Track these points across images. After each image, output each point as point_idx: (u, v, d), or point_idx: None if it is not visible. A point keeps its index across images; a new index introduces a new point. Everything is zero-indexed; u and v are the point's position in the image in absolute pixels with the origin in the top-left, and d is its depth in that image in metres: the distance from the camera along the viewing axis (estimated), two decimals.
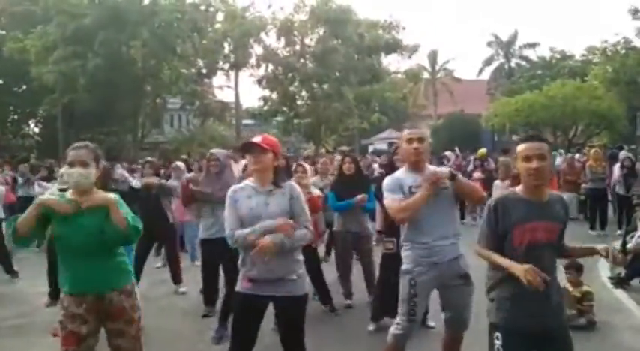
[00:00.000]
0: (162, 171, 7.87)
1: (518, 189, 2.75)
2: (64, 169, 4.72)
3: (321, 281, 5.63)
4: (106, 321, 3.03)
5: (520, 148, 2.67)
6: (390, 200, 3.47)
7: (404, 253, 3.56)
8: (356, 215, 5.74)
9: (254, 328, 3.20)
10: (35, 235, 2.99)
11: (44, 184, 9.45)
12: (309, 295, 3.42)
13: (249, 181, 3.26)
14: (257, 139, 3.21)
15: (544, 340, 2.64)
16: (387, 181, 3.57)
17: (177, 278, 6.65)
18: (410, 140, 3.51)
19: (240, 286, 3.17)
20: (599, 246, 2.75)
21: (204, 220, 5.31)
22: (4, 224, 7.82)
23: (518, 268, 2.51)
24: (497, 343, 2.65)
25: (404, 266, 3.52)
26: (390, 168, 4.80)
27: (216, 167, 5.23)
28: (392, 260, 4.72)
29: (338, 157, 7.44)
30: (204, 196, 5.21)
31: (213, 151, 5.56)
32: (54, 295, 5.69)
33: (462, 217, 12.62)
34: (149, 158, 7.06)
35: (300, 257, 3.23)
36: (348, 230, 5.80)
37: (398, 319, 3.53)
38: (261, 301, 3.17)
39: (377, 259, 5.34)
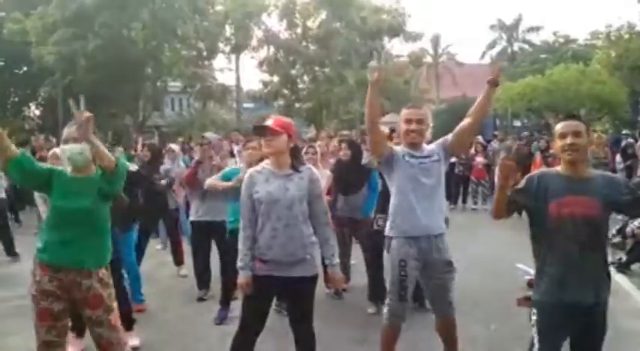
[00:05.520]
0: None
1: (559, 167, 2.83)
2: (55, 149, 4.74)
3: None
4: (84, 308, 2.97)
5: (557, 127, 2.80)
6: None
7: (389, 226, 3.53)
8: (353, 201, 5.74)
9: (266, 309, 3.23)
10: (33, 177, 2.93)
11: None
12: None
13: (266, 165, 3.21)
14: (269, 122, 3.16)
15: (578, 315, 2.68)
16: None
17: (179, 260, 6.69)
18: (409, 121, 3.45)
19: (253, 268, 3.16)
20: None
21: (194, 202, 5.48)
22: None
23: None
24: (534, 318, 2.78)
25: (393, 243, 3.47)
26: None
27: (209, 151, 5.36)
28: (382, 238, 4.73)
29: (333, 141, 7.34)
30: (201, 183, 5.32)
31: (205, 134, 5.68)
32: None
33: (464, 201, 12.65)
34: (146, 141, 7.08)
35: (314, 239, 3.22)
36: (346, 215, 5.81)
37: (388, 300, 3.54)
38: (275, 283, 3.18)
39: None
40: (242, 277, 3.15)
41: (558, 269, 2.69)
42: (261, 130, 3.15)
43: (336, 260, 3.22)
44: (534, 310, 2.78)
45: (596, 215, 2.68)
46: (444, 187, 3.57)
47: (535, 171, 2.96)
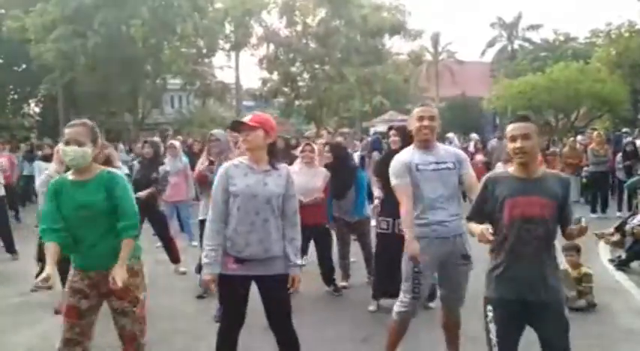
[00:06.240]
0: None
1: (511, 168, 2.89)
2: (60, 145, 4.72)
3: (329, 262, 5.64)
4: (111, 299, 3.02)
5: (508, 129, 2.83)
6: (398, 187, 3.47)
7: None
8: (343, 205, 5.76)
9: (243, 308, 3.19)
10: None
11: (42, 164, 9.33)
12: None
13: (243, 159, 3.19)
14: (246, 118, 3.17)
15: (534, 313, 2.72)
16: (394, 164, 3.54)
17: (174, 258, 6.66)
18: (421, 118, 3.48)
19: (225, 268, 3.09)
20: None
21: (204, 200, 5.37)
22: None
23: (476, 230, 2.73)
24: (490, 315, 2.80)
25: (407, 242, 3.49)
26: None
27: (216, 147, 5.29)
28: (387, 240, 4.74)
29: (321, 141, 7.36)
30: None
31: (213, 131, 5.61)
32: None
33: (463, 199, 12.65)
34: (148, 138, 7.02)
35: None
36: (342, 216, 5.82)
37: (401, 296, 3.53)
38: (248, 282, 3.15)
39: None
40: (208, 274, 3.08)
41: (509, 267, 2.73)
42: (237, 126, 3.16)
43: (298, 261, 3.18)
44: (489, 307, 2.80)
45: (546, 215, 2.71)
46: (459, 194, 3.59)
47: (489, 173, 2.98)
